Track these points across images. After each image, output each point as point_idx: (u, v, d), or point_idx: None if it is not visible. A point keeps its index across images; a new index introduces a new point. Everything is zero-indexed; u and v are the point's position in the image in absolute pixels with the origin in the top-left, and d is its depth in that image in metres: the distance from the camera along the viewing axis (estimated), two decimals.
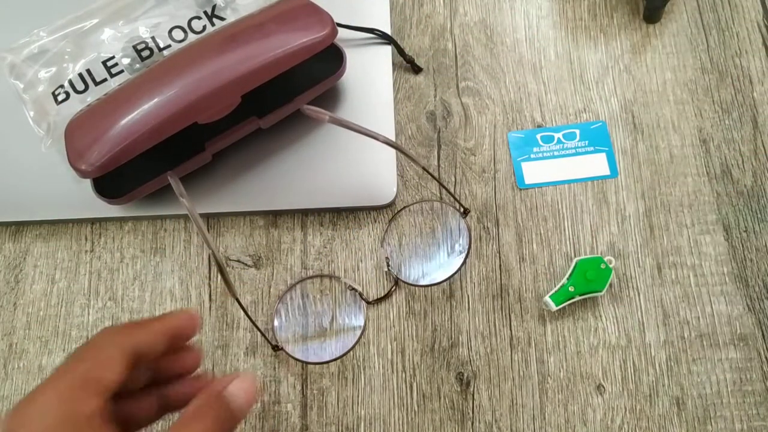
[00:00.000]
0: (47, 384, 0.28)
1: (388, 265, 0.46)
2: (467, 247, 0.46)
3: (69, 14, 0.50)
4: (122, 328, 0.31)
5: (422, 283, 0.45)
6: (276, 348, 0.43)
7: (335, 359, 0.44)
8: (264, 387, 0.44)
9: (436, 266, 0.46)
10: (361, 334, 0.44)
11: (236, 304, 0.45)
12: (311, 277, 0.46)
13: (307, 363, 0.44)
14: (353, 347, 0.44)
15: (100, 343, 0.30)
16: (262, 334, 0.43)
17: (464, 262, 0.46)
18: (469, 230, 0.46)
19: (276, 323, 0.45)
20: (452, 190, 0.48)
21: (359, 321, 0.45)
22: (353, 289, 0.45)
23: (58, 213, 0.47)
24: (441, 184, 0.43)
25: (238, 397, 0.30)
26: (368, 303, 0.45)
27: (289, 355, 0.43)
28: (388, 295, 0.45)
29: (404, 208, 0.47)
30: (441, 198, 0.48)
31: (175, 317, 0.32)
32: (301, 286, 0.46)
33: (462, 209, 0.46)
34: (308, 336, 0.44)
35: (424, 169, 0.41)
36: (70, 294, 0.46)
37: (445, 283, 0.45)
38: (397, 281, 0.45)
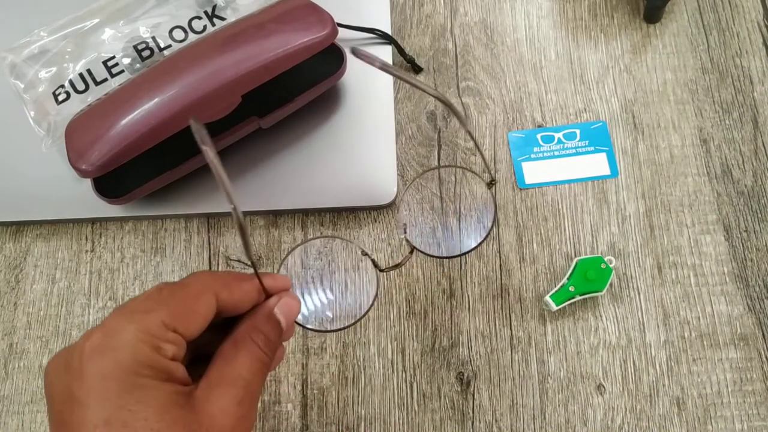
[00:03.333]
0: (132, 317, 0.27)
1: (405, 232, 0.42)
2: (491, 221, 0.42)
3: (69, 14, 0.50)
4: (220, 279, 0.30)
5: (439, 254, 0.43)
6: None
7: (345, 328, 0.41)
8: (264, 387, 0.44)
9: (457, 238, 0.44)
10: (373, 301, 0.41)
11: None
12: (322, 237, 0.43)
13: (313, 330, 0.41)
14: (364, 315, 0.41)
15: (197, 288, 0.29)
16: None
17: (486, 237, 0.42)
18: (495, 202, 0.43)
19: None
20: (453, 190, 0.48)
21: (371, 288, 0.42)
22: (365, 254, 0.41)
23: (59, 213, 0.47)
24: (478, 147, 0.39)
25: (284, 315, 0.32)
26: (381, 270, 0.41)
27: (297, 323, 0.41)
28: (402, 263, 0.42)
29: (427, 171, 0.45)
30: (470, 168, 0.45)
31: (272, 279, 0.33)
32: (312, 244, 0.43)
33: (489, 179, 0.42)
34: (316, 301, 0.42)
35: (464, 129, 0.37)
36: (70, 294, 0.46)
37: (461, 257, 0.43)
38: (413, 249, 0.42)
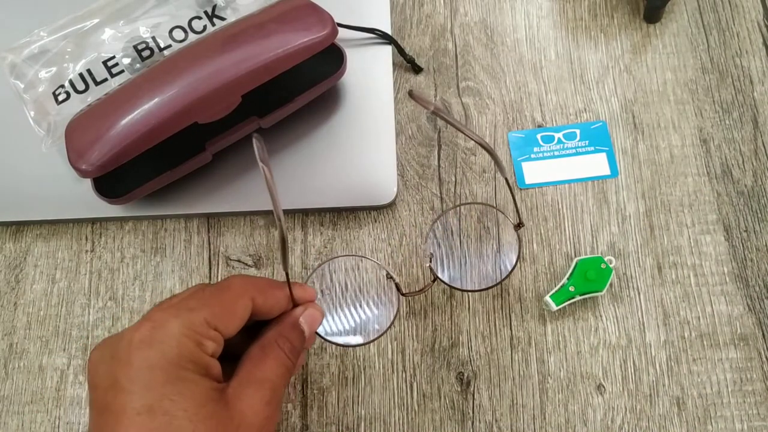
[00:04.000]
0: (178, 312, 0.29)
1: (431, 261, 0.43)
2: (514, 261, 0.44)
3: (69, 14, 0.50)
4: (256, 285, 0.33)
5: (458, 285, 0.44)
6: None
7: (362, 344, 0.42)
8: None
9: (478, 273, 0.44)
10: (392, 322, 0.42)
11: None
12: (351, 255, 0.44)
13: (332, 343, 0.42)
14: (382, 334, 0.42)
15: (236, 291, 0.32)
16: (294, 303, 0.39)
17: (506, 277, 0.44)
18: (520, 243, 0.44)
19: None
20: (453, 190, 0.48)
21: (392, 309, 0.42)
22: (390, 277, 0.42)
23: (59, 213, 0.47)
24: (512, 192, 0.41)
25: (308, 325, 0.34)
26: (403, 294, 0.42)
27: (318, 335, 0.41)
28: (424, 290, 0.43)
29: (457, 206, 0.46)
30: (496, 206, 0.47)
31: (302, 290, 0.35)
32: (337, 262, 0.44)
33: (518, 221, 0.44)
34: (337, 314, 0.43)
35: (507, 183, 0.40)
36: (70, 294, 0.46)
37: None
38: (435, 278, 0.43)
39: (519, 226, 0.44)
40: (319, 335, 0.41)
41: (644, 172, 0.48)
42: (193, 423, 0.27)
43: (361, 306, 0.43)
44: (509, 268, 0.44)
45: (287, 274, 0.33)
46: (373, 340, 0.42)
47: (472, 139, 0.36)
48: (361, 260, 0.44)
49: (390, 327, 0.42)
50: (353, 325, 0.43)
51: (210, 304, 0.30)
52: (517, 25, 0.53)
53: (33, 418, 0.43)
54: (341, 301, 0.43)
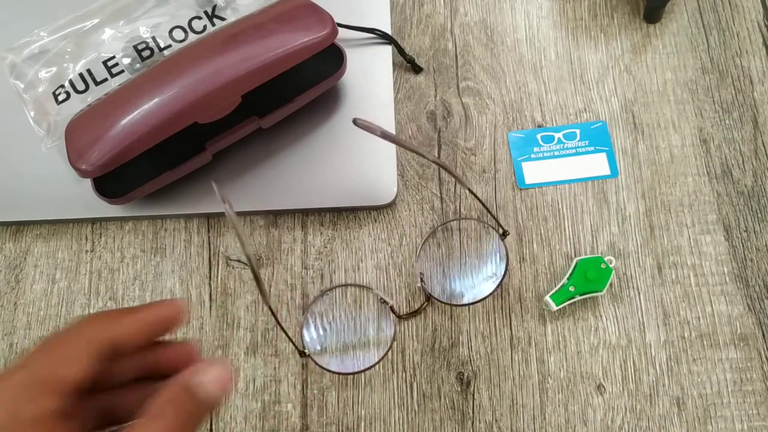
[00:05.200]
0: (9, 375, 0.26)
1: (422, 281, 0.45)
2: (504, 270, 0.45)
3: (69, 14, 0.50)
4: (96, 319, 0.29)
5: (455, 302, 0.45)
6: (303, 354, 0.42)
7: (360, 371, 0.43)
8: (264, 387, 0.44)
9: (470, 286, 0.45)
10: (389, 348, 0.44)
11: (236, 303, 0.45)
12: (343, 285, 0.45)
13: (331, 372, 0.43)
14: (380, 361, 0.43)
15: (66, 335, 0.28)
16: (290, 340, 0.40)
17: (499, 285, 0.45)
18: (507, 252, 0.45)
19: (305, 330, 0.44)
20: (453, 190, 0.48)
21: (388, 334, 0.44)
22: (384, 302, 0.44)
23: (59, 213, 0.47)
24: (484, 205, 0.42)
25: (208, 385, 0.28)
26: (399, 317, 0.44)
27: (316, 363, 0.43)
28: (418, 311, 0.45)
29: (443, 224, 0.47)
30: (478, 217, 0.47)
31: (158, 306, 0.30)
32: (332, 293, 0.45)
33: (501, 231, 0.45)
34: (335, 345, 0.44)
35: (473, 195, 0.41)
36: (70, 294, 0.46)
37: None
38: (429, 297, 0.45)
39: (504, 235, 0.45)
40: (321, 366, 0.42)
41: (644, 172, 0.48)
42: None
43: (358, 333, 0.45)
44: (500, 278, 0.45)
45: (272, 310, 0.33)
46: (375, 364, 0.43)
47: (428, 159, 0.37)
48: (357, 287, 0.45)
49: (389, 350, 0.44)
50: (353, 352, 0.44)
51: (45, 352, 0.27)
52: (517, 25, 0.53)
53: None
54: (338, 330, 0.45)
